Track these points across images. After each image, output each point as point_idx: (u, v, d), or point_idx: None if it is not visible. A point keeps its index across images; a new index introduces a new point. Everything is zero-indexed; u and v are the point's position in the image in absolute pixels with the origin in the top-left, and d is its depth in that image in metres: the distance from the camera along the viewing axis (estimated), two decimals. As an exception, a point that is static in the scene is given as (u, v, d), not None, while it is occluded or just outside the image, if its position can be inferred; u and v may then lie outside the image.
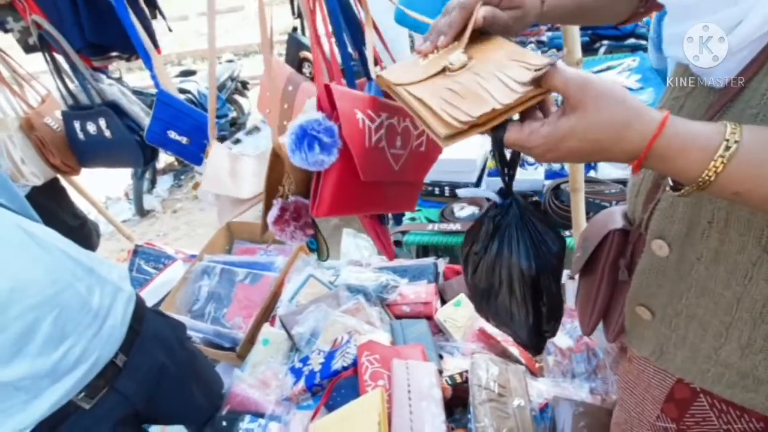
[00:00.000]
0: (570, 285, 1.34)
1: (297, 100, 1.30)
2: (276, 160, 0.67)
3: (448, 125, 0.47)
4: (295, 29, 2.40)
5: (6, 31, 1.52)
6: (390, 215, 0.94)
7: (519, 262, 0.61)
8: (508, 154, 0.59)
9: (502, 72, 0.50)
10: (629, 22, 0.73)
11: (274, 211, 0.66)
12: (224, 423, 1.22)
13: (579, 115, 0.44)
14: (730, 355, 0.58)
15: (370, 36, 0.73)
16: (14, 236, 0.74)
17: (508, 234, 0.61)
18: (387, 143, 0.63)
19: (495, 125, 0.49)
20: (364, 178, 0.61)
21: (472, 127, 0.48)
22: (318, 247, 0.80)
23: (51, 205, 1.81)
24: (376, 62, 0.76)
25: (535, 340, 0.68)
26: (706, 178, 0.43)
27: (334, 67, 1.32)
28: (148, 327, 0.97)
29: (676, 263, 0.60)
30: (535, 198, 1.77)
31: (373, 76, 0.69)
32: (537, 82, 0.48)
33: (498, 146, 0.51)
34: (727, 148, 0.42)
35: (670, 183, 0.50)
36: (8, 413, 0.74)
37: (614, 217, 0.72)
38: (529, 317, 0.64)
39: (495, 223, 0.62)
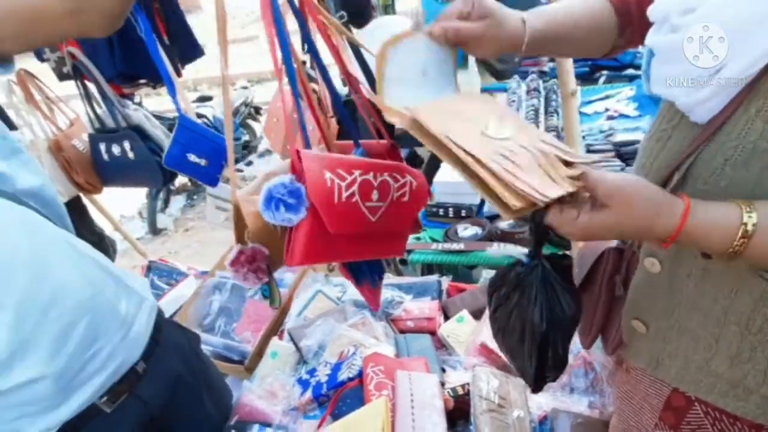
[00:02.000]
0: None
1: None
2: (238, 212, 0.72)
3: (522, 198, 0.49)
4: (303, 63, 2.53)
5: (43, 60, 1.65)
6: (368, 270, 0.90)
7: (532, 316, 0.68)
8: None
9: (544, 155, 0.54)
10: (611, 54, 0.77)
11: (232, 254, 0.71)
12: (233, 432, 1.26)
13: (610, 212, 0.52)
14: (720, 365, 0.61)
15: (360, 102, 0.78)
16: (58, 245, 0.80)
17: (528, 290, 0.69)
18: (360, 198, 0.65)
19: (535, 210, 0.54)
20: (333, 231, 0.65)
21: (531, 204, 0.51)
22: (270, 294, 0.82)
23: (73, 222, 1.90)
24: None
25: (537, 382, 0.75)
26: (733, 253, 0.51)
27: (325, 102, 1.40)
28: (166, 336, 1.02)
29: (667, 279, 0.64)
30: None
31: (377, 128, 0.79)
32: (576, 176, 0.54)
33: (537, 224, 0.59)
34: (746, 232, 0.49)
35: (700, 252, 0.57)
36: (42, 413, 0.77)
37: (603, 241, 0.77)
38: (533, 363, 0.71)
39: (519, 278, 0.71)
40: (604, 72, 2.65)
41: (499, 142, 0.56)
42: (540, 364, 0.71)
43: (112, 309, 0.87)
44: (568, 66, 1.04)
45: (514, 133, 0.58)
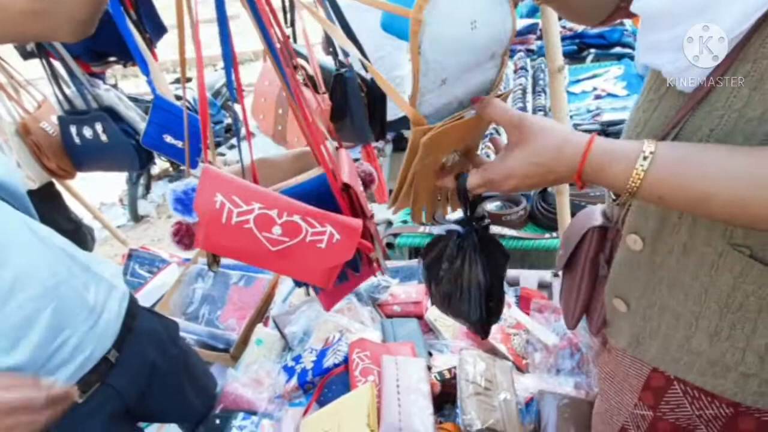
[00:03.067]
0: (556, 282, 1.38)
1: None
2: None
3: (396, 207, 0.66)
4: (288, 38, 2.45)
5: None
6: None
7: (477, 276, 0.79)
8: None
9: None
10: (613, 18, 0.74)
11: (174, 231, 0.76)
12: (217, 421, 1.24)
13: (522, 144, 0.56)
14: (700, 343, 0.61)
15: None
16: (19, 231, 0.77)
17: (470, 254, 0.79)
18: (256, 227, 0.67)
19: (456, 175, 0.64)
20: (211, 245, 0.69)
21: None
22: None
23: (46, 209, 1.82)
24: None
25: (485, 328, 0.84)
26: (632, 185, 0.51)
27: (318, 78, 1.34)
28: (140, 324, 0.99)
29: (649, 256, 0.63)
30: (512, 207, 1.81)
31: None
32: (487, 114, 0.60)
33: (462, 191, 0.66)
34: (644, 158, 0.50)
35: (612, 195, 0.59)
36: None
37: (593, 215, 0.76)
38: (482, 314, 0.81)
39: (458, 246, 0.80)
40: (592, 50, 2.62)
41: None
42: (488, 314, 0.82)
43: (79, 297, 0.84)
44: (556, 40, 1.00)
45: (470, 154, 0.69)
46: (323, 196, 0.75)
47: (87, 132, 1.63)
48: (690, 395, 0.65)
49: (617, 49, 2.58)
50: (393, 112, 2.74)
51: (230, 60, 0.75)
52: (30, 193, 1.76)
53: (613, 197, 0.60)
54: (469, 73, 0.60)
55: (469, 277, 0.79)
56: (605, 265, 0.72)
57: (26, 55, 1.61)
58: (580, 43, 2.66)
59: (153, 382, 1.00)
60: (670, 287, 0.62)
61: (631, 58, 2.46)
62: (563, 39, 2.59)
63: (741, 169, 0.47)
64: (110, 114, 1.59)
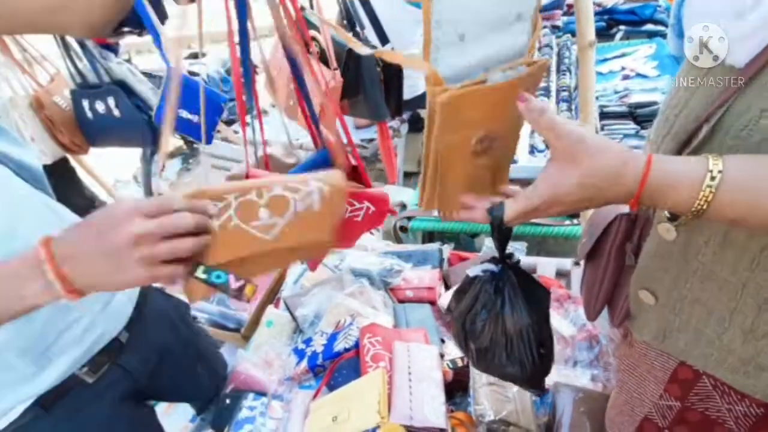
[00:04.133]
0: (575, 271, 1.33)
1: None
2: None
3: (427, 203, 0.61)
4: (303, 8, 2.38)
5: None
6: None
7: (522, 320, 0.69)
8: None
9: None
10: None
11: None
12: (228, 401, 1.24)
13: (574, 165, 0.49)
14: (732, 340, 0.58)
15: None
16: (33, 205, 0.75)
17: (508, 297, 0.70)
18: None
19: (490, 208, 0.57)
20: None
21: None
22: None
23: (60, 185, 1.83)
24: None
25: (539, 381, 0.77)
26: (699, 207, 0.46)
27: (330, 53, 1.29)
28: (151, 305, 0.98)
29: (682, 247, 0.59)
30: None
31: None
32: (539, 123, 0.52)
33: (498, 224, 0.57)
34: (712, 178, 0.45)
35: (667, 215, 0.54)
36: (16, 384, 0.75)
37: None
38: (535, 362, 0.72)
39: (495, 287, 0.71)
40: (621, 27, 2.47)
41: (475, 159, 0.59)
42: (540, 361, 0.73)
43: None
44: (588, 11, 0.91)
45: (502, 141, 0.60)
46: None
47: (99, 106, 1.61)
48: (720, 389, 0.62)
49: (649, 27, 2.44)
50: (410, 91, 2.68)
51: (246, 37, 0.71)
52: (44, 168, 1.77)
53: (668, 215, 0.54)
54: (493, 33, 0.54)
55: (514, 322, 0.69)
56: (632, 255, 0.68)
57: (38, 27, 1.58)
58: (609, 20, 2.52)
59: (164, 362, 0.99)
60: (703, 280, 0.59)
61: (664, 36, 2.33)
62: (591, 15, 2.47)
63: None
64: (123, 88, 1.56)
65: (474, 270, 0.75)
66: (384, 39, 1.36)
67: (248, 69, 0.79)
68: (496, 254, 0.71)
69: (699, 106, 0.53)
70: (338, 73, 1.29)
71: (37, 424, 0.78)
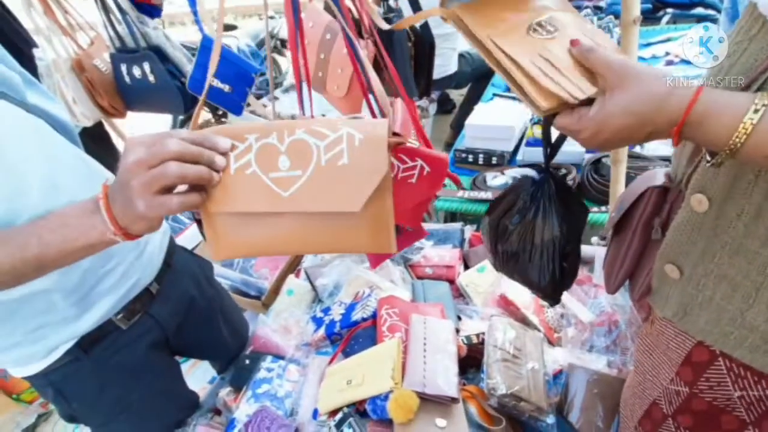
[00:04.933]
0: (599, 256, 1.31)
1: (334, 49, 1.28)
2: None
3: (552, 97, 0.50)
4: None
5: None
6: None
7: (552, 230, 0.71)
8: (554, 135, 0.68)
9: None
10: None
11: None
12: (247, 361, 1.29)
13: (623, 91, 0.49)
14: (756, 317, 0.57)
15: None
16: (71, 158, 0.79)
17: (543, 206, 0.71)
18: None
19: (549, 117, 0.54)
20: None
21: (561, 104, 0.52)
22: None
23: (96, 149, 1.90)
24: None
25: (556, 293, 0.77)
26: (737, 140, 0.46)
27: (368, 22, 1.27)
28: (178, 260, 1.02)
29: (714, 219, 0.58)
30: (565, 171, 1.71)
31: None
32: (587, 59, 0.53)
33: (547, 128, 0.58)
34: (756, 111, 0.45)
35: (707, 156, 0.53)
36: (59, 325, 0.80)
37: (655, 176, 0.71)
38: (555, 275, 0.73)
39: (532, 195, 0.72)
40: (669, 10, 2.35)
41: (543, 41, 0.54)
42: (561, 276, 0.73)
43: None
44: (635, -13, 0.89)
45: (562, 29, 0.56)
46: None
47: (136, 71, 1.64)
48: (734, 372, 0.61)
49: (699, 10, 2.31)
50: (440, 71, 2.64)
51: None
52: (80, 132, 1.83)
53: (708, 158, 0.53)
54: None
55: (543, 231, 0.71)
56: (659, 229, 0.68)
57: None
58: (656, 2, 2.39)
59: (190, 316, 1.04)
60: (732, 254, 0.58)
61: (714, 21, 2.22)
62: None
63: None
64: (157, 54, 1.59)
65: (516, 172, 0.76)
66: (417, 8, 1.33)
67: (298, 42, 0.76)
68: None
69: (743, 70, 0.52)
70: (370, 42, 1.28)
71: (77, 365, 0.84)
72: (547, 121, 0.57)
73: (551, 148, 0.71)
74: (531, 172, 0.75)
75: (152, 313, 0.93)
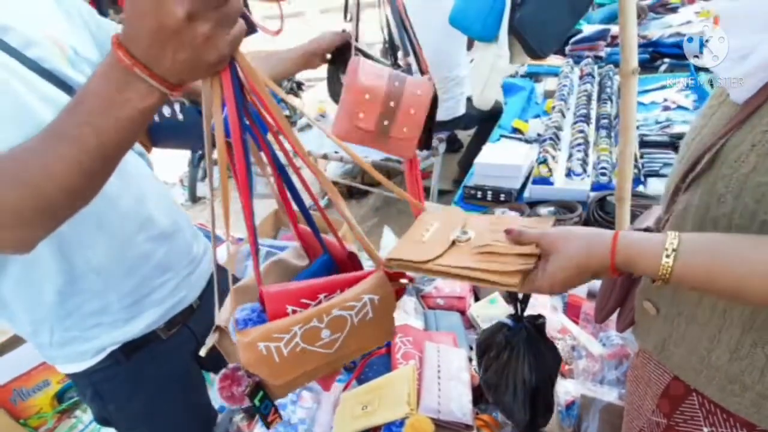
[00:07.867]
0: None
1: (404, 95, 1.22)
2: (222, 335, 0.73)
3: (516, 274, 0.59)
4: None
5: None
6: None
7: (523, 373, 0.81)
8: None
9: (500, 241, 0.64)
10: None
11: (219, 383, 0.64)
12: (261, 387, 1.30)
13: (557, 253, 0.58)
14: (719, 358, 0.61)
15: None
16: (153, 182, 0.89)
17: (516, 349, 0.82)
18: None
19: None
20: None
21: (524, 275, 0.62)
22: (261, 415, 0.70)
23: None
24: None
25: (530, 427, 0.86)
26: (663, 276, 0.51)
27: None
28: (219, 283, 1.08)
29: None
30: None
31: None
32: (520, 241, 0.63)
33: (514, 295, 0.77)
34: (667, 256, 0.51)
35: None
36: (111, 327, 0.85)
37: (648, 217, 0.76)
38: (526, 414, 0.83)
39: (507, 339, 0.83)
40: (666, 60, 2.49)
41: (469, 244, 0.65)
42: (533, 414, 0.83)
43: (187, 246, 0.95)
44: (632, 39, 0.96)
45: (474, 228, 0.68)
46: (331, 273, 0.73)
47: (166, 110, 1.76)
48: (705, 408, 0.64)
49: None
50: (449, 113, 2.76)
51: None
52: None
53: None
54: None
55: (515, 373, 0.81)
56: None
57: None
58: (653, 52, 2.54)
59: None
60: (699, 297, 0.62)
61: (707, 70, 2.34)
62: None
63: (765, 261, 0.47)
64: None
65: (493, 321, 0.92)
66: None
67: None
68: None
69: (710, 134, 0.58)
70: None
71: (116, 368, 0.88)
72: (511, 291, 0.67)
73: (521, 303, 0.82)
74: (506, 320, 0.86)
75: (190, 327, 0.98)
